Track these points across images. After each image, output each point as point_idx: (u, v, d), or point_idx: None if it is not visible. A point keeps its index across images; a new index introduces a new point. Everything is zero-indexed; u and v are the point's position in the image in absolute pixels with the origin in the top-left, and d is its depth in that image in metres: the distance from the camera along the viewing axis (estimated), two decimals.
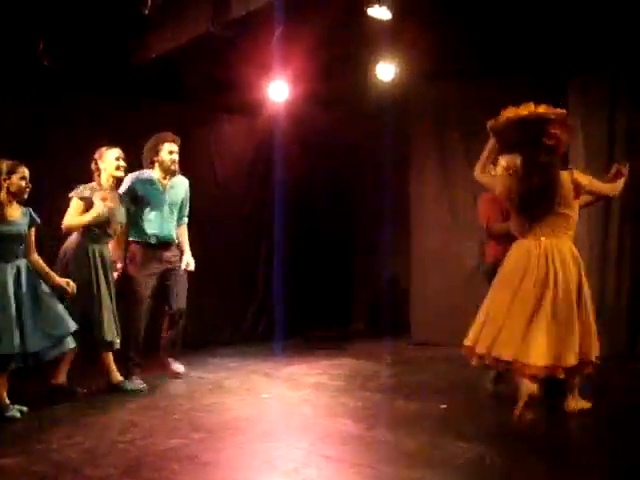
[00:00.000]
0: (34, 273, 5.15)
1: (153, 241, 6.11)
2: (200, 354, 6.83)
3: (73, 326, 5.15)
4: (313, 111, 8.27)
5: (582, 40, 6.62)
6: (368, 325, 9.15)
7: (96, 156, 5.80)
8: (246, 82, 7.37)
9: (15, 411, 4.96)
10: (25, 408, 5.05)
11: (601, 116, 7.15)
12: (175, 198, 6.24)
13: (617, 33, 6.47)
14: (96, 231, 5.70)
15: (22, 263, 5.09)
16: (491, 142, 5.06)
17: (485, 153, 5.13)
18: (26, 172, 5.11)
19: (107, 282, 5.72)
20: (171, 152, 6.13)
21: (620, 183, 5.08)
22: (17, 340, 4.87)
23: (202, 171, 7.60)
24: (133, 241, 6.13)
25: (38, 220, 5.22)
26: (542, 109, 4.70)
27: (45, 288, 5.15)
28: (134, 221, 6.12)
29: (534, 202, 4.76)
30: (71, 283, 5.32)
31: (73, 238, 5.70)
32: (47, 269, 5.31)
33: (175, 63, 7.10)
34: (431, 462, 3.91)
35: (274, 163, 8.60)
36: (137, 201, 6.10)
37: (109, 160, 5.77)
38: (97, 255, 5.68)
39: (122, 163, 5.81)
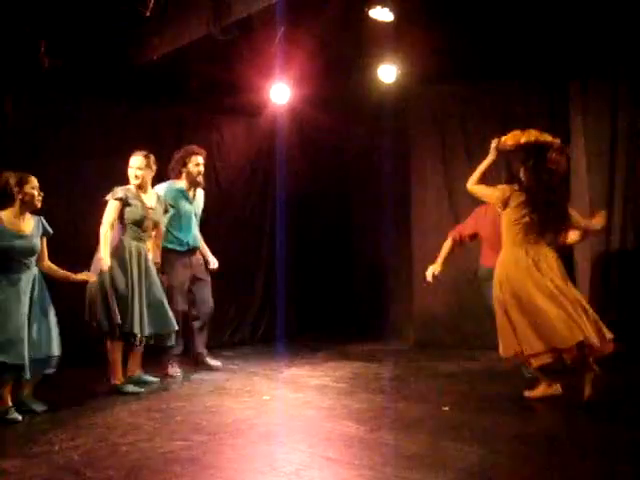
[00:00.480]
0: (44, 284, 5.22)
1: (184, 248, 6.48)
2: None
3: (58, 351, 5.17)
4: (315, 113, 8.27)
5: (583, 41, 6.62)
6: (370, 327, 9.13)
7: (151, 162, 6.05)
8: (248, 84, 7.36)
9: (16, 414, 4.96)
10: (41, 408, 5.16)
11: (603, 117, 7.14)
12: (198, 208, 6.65)
13: (618, 33, 6.47)
14: (135, 229, 5.93)
15: (35, 273, 5.16)
16: (490, 159, 5.48)
17: (481, 168, 5.52)
18: (36, 181, 5.17)
19: (142, 278, 5.88)
20: (197, 164, 6.50)
21: (598, 224, 5.56)
22: (26, 351, 4.92)
23: (205, 173, 7.59)
24: (166, 248, 6.39)
25: (50, 230, 5.29)
26: (546, 136, 5.30)
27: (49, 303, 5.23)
28: (166, 229, 6.40)
29: (549, 217, 5.19)
30: (91, 275, 5.54)
31: (114, 234, 5.88)
32: (61, 271, 5.39)
33: (177, 65, 7.10)
34: (433, 464, 3.90)
35: (276, 164, 8.60)
36: (169, 210, 6.38)
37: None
38: (135, 252, 5.88)
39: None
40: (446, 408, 5.06)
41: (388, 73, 7.28)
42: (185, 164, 6.48)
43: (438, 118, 8.19)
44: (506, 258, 5.26)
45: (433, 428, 4.61)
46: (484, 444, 4.20)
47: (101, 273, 5.67)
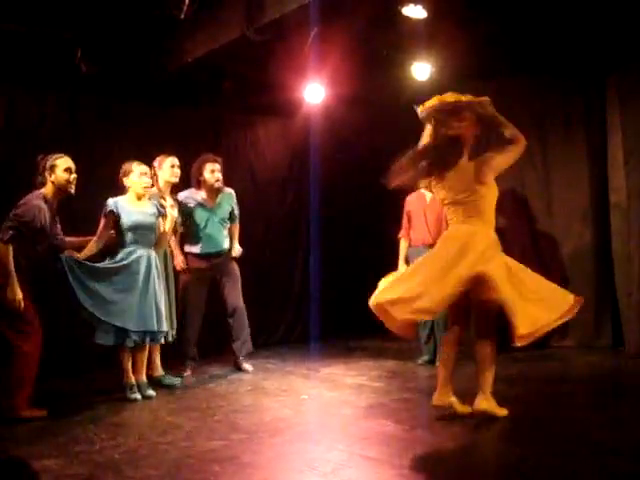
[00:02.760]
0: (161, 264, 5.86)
1: (204, 254, 6.57)
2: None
3: (165, 326, 5.73)
4: (349, 112, 8.26)
5: (620, 35, 6.53)
6: None
7: (155, 164, 6.22)
8: (282, 84, 7.39)
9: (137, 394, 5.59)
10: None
11: None
12: (223, 213, 6.68)
13: None
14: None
15: (152, 252, 5.70)
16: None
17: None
18: (146, 168, 5.79)
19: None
20: (213, 171, 6.57)
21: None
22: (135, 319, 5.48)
23: (240, 174, 7.65)
24: (187, 252, 6.59)
25: (163, 211, 5.80)
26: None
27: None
28: (188, 236, 6.60)
29: None
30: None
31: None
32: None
33: (211, 67, 7.14)
34: (473, 463, 3.89)
35: (310, 164, 8.61)
36: (188, 218, 6.54)
37: (165, 168, 6.24)
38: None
39: (177, 170, 6.26)
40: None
41: (422, 70, 7.25)
42: (201, 173, 6.58)
43: None
44: None
45: (472, 426, 4.59)
46: (524, 443, 4.17)
47: None
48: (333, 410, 5.22)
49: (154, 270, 5.67)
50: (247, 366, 6.71)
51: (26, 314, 5.02)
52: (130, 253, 5.59)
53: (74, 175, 5.29)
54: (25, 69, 6.50)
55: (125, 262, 5.54)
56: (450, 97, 5.02)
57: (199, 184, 6.61)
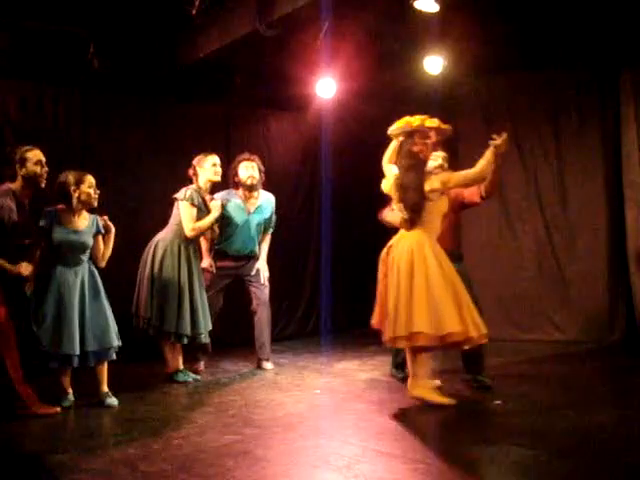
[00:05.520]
0: (98, 278, 5.30)
1: (233, 255, 6.57)
2: (251, 350, 6.86)
3: (116, 340, 5.29)
4: (361, 106, 8.25)
5: (634, 29, 6.50)
6: None
7: (195, 162, 6.17)
8: (294, 79, 7.38)
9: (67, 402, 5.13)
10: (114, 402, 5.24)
11: None
12: (261, 219, 6.65)
13: None
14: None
15: (87, 268, 5.26)
16: (393, 143, 5.45)
17: (390, 149, 5.47)
18: (92, 180, 5.25)
19: (191, 279, 6.03)
20: (247, 168, 6.54)
21: (486, 160, 5.08)
22: (77, 342, 5.04)
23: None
24: (216, 249, 6.58)
25: (103, 230, 5.37)
26: (433, 122, 5.33)
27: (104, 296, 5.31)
28: (220, 235, 6.56)
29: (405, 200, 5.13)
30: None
31: (166, 235, 6.06)
32: None
33: (223, 61, 7.15)
34: (486, 460, 3.88)
35: (323, 159, 8.59)
36: (224, 219, 6.47)
37: (206, 166, 6.15)
38: (184, 252, 6.03)
39: (219, 169, 6.21)
40: (498, 402, 5.01)
41: (434, 65, 7.21)
42: (236, 173, 6.54)
43: (486, 109, 8.10)
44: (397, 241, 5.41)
45: (485, 423, 4.59)
46: (537, 440, 4.15)
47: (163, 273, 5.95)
48: (346, 405, 5.22)
49: (88, 288, 5.24)
50: (267, 365, 6.65)
51: None
52: (60, 273, 5.15)
53: (45, 168, 5.10)
54: (37, 65, 6.53)
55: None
56: (417, 120, 5.28)
57: (236, 185, 6.57)
